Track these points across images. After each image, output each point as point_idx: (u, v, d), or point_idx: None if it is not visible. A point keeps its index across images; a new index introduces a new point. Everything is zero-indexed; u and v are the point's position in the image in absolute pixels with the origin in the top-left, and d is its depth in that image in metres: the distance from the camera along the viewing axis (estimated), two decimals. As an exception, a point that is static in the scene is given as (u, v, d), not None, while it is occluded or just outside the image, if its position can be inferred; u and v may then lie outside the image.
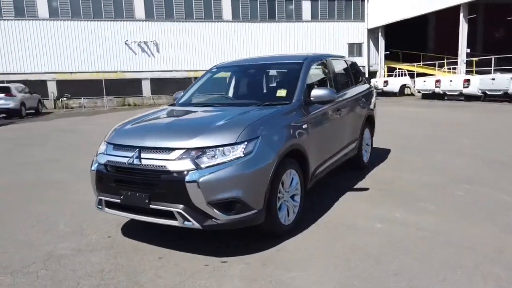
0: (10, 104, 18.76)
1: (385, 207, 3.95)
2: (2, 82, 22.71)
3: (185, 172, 2.75)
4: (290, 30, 32.08)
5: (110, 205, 3.10)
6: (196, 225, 2.78)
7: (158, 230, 3.45)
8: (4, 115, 19.24)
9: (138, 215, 2.97)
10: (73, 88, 26.70)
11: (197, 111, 3.81)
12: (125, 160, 2.98)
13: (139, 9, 27.79)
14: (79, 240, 3.39)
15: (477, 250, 2.95)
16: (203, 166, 2.77)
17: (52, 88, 26.79)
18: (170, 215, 2.82)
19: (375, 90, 6.30)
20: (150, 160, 2.89)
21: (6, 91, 18.98)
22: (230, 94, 4.57)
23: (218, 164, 2.78)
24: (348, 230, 3.40)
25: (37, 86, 25.07)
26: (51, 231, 3.63)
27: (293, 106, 3.64)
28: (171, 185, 2.77)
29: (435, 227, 3.41)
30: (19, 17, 25.94)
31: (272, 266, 2.81)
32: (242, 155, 2.85)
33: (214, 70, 4.76)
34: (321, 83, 4.47)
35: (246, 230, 3.17)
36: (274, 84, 4.38)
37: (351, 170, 5.41)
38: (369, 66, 34.45)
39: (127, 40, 27.56)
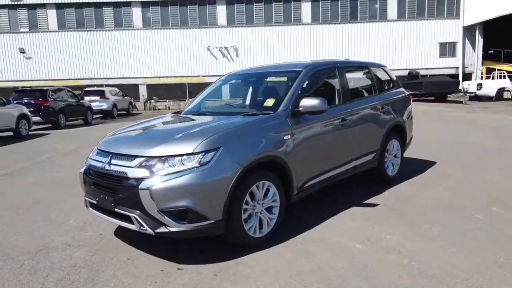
0: (104, 105, 21.01)
1: (381, 227, 3.65)
2: (101, 86, 25.50)
3: (140, 180, 2.88)
4: (374, 30, 30.74)
5: (92, 205, 3.37)
6: (149, 231, 2.90)
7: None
8: (100, 115, 21.63)
9: (109, 217, 3.18)
10: (161, 91, 28.95)
11: (176, 121, 3.93)
12: (100, 164, 3.23)
13: (222, 16, 29.07)
14: (75, 235, 3.74)
15: (452, 286, 2.59)
16: (158, 174, 2.88)
17: (142, 91, 29.38)
18: (129, 219, 2.98)
19: (411, 97, 5.78)
20: (116, 166, 3.09)
21: (101, 94, 21.31)
22: (228, 102, 4.62)
23: (172, 173, 2.86)
24: (323, 249, 3.22)
25: (130, 90, 27.72)
26: (60, 225, 4.05)
27: (276, 116, 3.57)
28: (128, 191, 2.93)
29: (421, 254, 3.07)
30: (117, 27, 28.95)
31: (221, 278, 2.81)
32: (198, 165, 2.89)
33: (225, 77, 4.85)
34: (324, 92, 4.28)
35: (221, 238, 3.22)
36: (269, 93, 4.31)
37: (372, 184, 5.07)
38: (464, 67, 31.45)
39: (209, 46, 29.01)
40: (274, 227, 3.42)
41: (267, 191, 3.37)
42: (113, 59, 29.12)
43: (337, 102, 4.31)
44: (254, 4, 29.22)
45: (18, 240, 3.69)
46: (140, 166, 2.95)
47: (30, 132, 13.23)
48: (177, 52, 29.10)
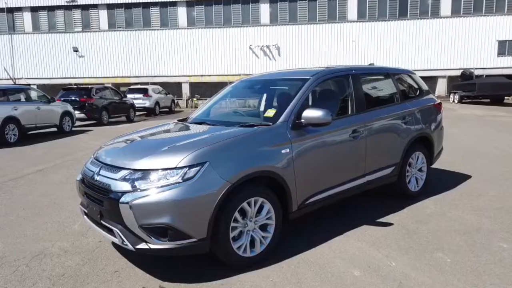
0: (147, 103, 21.63)
1: (388, 252, 3.34)
2: (147, 83, 26.36)
3: (122, 194, 2.80)
4: (425, 28, 29.23)
5: (85, 214, 3.36)
6: (130, 246, 2.81)
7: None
8: (143, 112, 22.32)
9: (98, 228, 3.13)
10: (203, 89, 29.43)
11: (172, 131, 3.82)
12: (90, 174, 3.20)
13: (265, 14, 28.96)
14: (75, 241, 3.77)
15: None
16: (139, 189, 2.78)
17: (186, 89, 30.02)
18: (113, 232, 2.91)
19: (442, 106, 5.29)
20: (102, 177, 3.03)
21: (144, 92, 21.96)
22: (233, 109, 4.45)
23: (154, 188, 2.76)
24: (316, 275, 2.98)
25: (173, 88, 28.45)
26: (64, 229, 4.10)
27: (274, 128, 3.36)
28: (111, 204, 2.86)
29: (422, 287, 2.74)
30: (163, 27, 29.75)
31: (199, 301, 2.67)
32: (181, 181, 2.77)
33: (235, 84, 4.69)
34: (334, 102, 4.00)
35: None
36: (272, 102, 4.09)
37: (393, 199, 4.69)
38: (526, 67, 29.13)
39: (251, 45, 29.04)
40: (268, 246, 3.22)
41: (261, 207, 3.17)
42: (159, 57, 29.98)
43: (349, 112, 4.01)
44: (298, 1, 28.82)
45: (20, 243, 3.77)
46: (123, 179, 2.87)
47: (73, 128, 13.88)
48: (220, 50, 29.40)
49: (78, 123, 15.27)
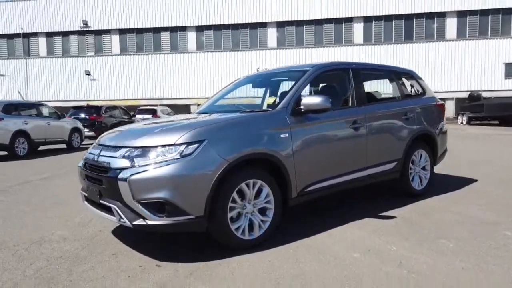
0: (155, 123, 21.88)
1: (389, 238, 3.28)
2: (156, 105, 26.75)
3: (120, 170, 2.83)
4: (430, 51, 29.53)
5: (86, 199, 3.38)
6: (127, 223, 2.81)
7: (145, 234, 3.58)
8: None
9: (98, 210, 3.14)
10: (211, 111, 29.76)
11: (177, 118, 3.87)
12: (91, 157, 3.24)
13: (272, 38, 29.60)
14: (74, 231, 3.77)
15: (447, 301, 2.21)
16: (137, 165, 2.81)
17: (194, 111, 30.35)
18: (112, 210, 2.92)
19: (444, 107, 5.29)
20: (103, 157, 3.07)
21: (153, 113, 22.23)
22: (236, 104, 4.50)
23: (152, 164, 2.78)
24: (314, 257, 2.94)
25: (182, 110, 28.76)
26: (66, 222, 4.10)
27: (273, 113, 3.39)
28: (110, 182, 2.88)
29: (424, 267, 2.68)
30: (173, 51, 30.48)
31: (195, 277, 2.64)
32: (179, 157, 2.79)
33: (241, 79, 4.78)
34: (334, 93, 4.04)
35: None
36: (274, 92, 4.14)
37: (397, 197, 4.64)
38: (533, 89, 29.05)
39: (258, 68, 29.46)
40: (267, 231, 3.19)
41: (260, 191, 3.17)
42: (168, 80, 30.58)
43: (349, 104, 4.04)
44: (304, 26, 29.44)
45: (21, 232, 3.78)
46: (122, 156, 2.91)
47: (82, 145, 14.05)
48: (228, 74, 29.89)
49: (87, 140, 15.47)
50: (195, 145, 2.84)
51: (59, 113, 13.16)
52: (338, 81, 4.22)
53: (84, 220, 4.10)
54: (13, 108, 11.16)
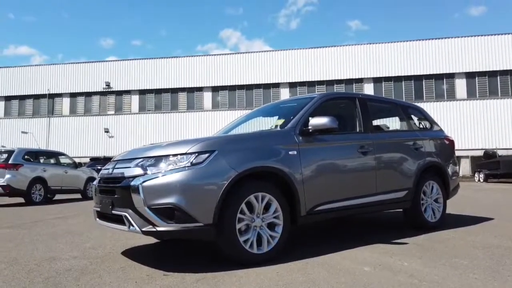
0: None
1: (401, 258, 3.21)
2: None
3: (134, 178, 2.93)
4: (441, 109, 29.89)
5: (98, 215, 3.45)
6: (137, 229, 2.86)
7: (157, 252, 3.58)
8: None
9: (109, 223, 3.20)
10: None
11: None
12: (106, 172, 3.37)
13: (285, 97, 30.51)
14: (85, 252, 3.78)
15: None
16: (150, 172, 2.92)
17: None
18: (123, 221, 2.98)
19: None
20: (117, 169, 3.20)
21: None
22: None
23: (164, 171, 2.89)
24: (323, 269, 2.89)
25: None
26: (77, 246, 4.12)
27: (283, 131, 3.53)
28: (122, 190, 2.98)
29: (436, 278, 2.61)
30: (190, 109, 31.62)
31: (201, 283, 2.61)
32: (189, 165, 2.90)
33: (252, 112, 4.99)
34: (341, 119, 4.17)
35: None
36: (282, 117, 4.29)
37: (410, 229, 4.55)
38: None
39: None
40: (275, 246, 3.17)
41: (269, 205, 3.20)
42: (184, 136, 31.32)
43: (357, 130, 4.16)
44: (316, 86, 30.40)
45: (32, 253, 3.81)
46: (136, 165, 3.03)
47: (96, 195, 14.20)
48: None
49: (101, 191, 15.65)
50: (206, 155, 2.96)
51: (76, 162, 13.51)
52: (346, 109, 4.37)
53: (94, 246, 4.12)
54: (33, 156, 11.55)
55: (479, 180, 25.57)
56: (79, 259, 3.47)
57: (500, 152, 27.97)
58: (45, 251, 3.87)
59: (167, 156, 2.98)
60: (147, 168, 2.96)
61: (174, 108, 32.02)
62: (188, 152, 2.95)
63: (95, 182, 3.63)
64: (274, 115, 4.59)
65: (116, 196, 3.07)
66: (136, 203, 2.85)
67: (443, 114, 29.69)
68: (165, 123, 31.74)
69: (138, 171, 2.97)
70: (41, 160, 11.87)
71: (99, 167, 16.11)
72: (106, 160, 16.87)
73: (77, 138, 32.76)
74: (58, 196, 12.90)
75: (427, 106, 29.54)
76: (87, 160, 30.72)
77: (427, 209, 4.64)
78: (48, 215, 7.62)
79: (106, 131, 32.00)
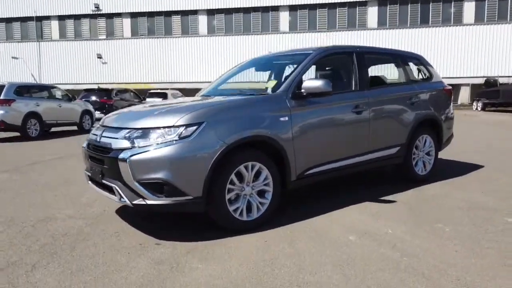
0: (165, 107, 22.02)
1: (386, 222, 3.30)
2: (167, 89, 26.83)
3: (121, 151, 2.89)
4: (447, 35, 28.84)
5: (90, 179, 3.47)
6: (127, 202, 2.89)
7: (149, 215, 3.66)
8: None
9: (100, 190, 3.23)
10: (221, 95, 29.80)
11: (179, 101, 3.90)
12: (94, 138, 3.31)
13: (284, 22, 29.27)
14: (80, 209, 3.88)
15: (437, 284, 2.24)
16: (138, 145, 2.86)
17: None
18: (113, 190, 3.00)
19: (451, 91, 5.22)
20: (105, 138, 3.14)
21: (164, 96, 22.34)
22: (238, 86, 4.51)
23: (151, 145, 2.84)
24: (310, 238, 2.98)
25: (193, 94, 28.71)
26: (72, 201, 4.22)
27: (273, 96, 3.41)
28: (111, 162, 2.95)
29: (417, 250, 2.71)
30: (184, 34, 30.39)
31: (192, 255, 2.71)
32: (177, 139, 2.84)
33: (247, 62, 4.77)
34: (337, 77, 4.02)
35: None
36: (276, 76, 4.14)
37: (399, 182, 4.64)
38: (550, 75, 28.28)
39: (270, 52, 29.25)
40: (265, 213, 3.24)
41: (258, 173, 3.21)
42: (179, 64, 30.59)
43: (352, 88, 4.02)
44: (317, 9, 29.00)
45: (29, 210, 3.90)
46: (123, 137, 2.97)
47: (92, 127, 14.24)
48: (239, 58, 29.68)
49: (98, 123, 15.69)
50: (194, 127, 2.88)
51: (70, 95, 13.32)
52: (342, 65, 4.19)
53: (89, 201, 4.20)
54: (25, 90, 11.33)
55: (476, 109, 25.62)
56: (74, 220, 3.56)
57: (501, 80, 27.62)
58: (41, 208, 3.96)
59: (155, 128, 2.90)
60: (135, 140, 2.90)
61: (168, 33, 30.75)
62: (176, 124, 2.87)
63: (84, 145, 3.60)
64: (267, 70, 4.41)
65: (105, 166, 3.05)
66: (125, 177, 2.85)
67: (448, 40, 28.74)
68: (159, 49, 30.73)
69: (126, 143, 2.91)
70: (34, 95, 11.66)
71: (93, 98, 15.94)
72: (100, 91, 16.61)
73: (69, 64, 31.92)
74: (55, 129, 12.91)
75: (432, 32, 28.50)
76: (81, 87, 30.35)
77: (418, 162, 4.69)
78: (45, 155, 7.70)
79: (99, 57, 31.11)
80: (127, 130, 2.99)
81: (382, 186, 4.53)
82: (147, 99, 20.48)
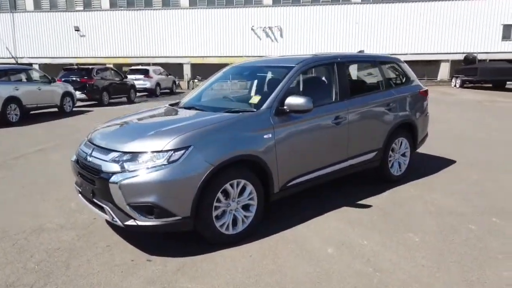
0: (147, 84, 21.75)
1: (362, 231, 3.57)
2: (148, 64, 26.38)
3: (112, 174, 3.02)
4: (428, 10, 28.93)
5: (80, 193, 3.59)
6: (119, 223, 3.04)
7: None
8: (144, 93, 22.44)
9: (91, 206, 3.36)
10: (204, 71, 29.37)
11: (162, 115, 4.01)
12: (84, 155, 3.41)
13: (267, -5, 28.68)
14: (70, 218, 4.01)
15: (403, 302, 2.51)
16: (128, 170, 2.99)
17: (187, 71, 30.03)
18: (104, 209, 3.14)
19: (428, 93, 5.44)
20: (94, 158, 3.25)
21: (145, 73, 22.04)
22: (222, 96, 4.62)
23: (141, 170, 2.97)
24: (292, 252, 3.22)
25: (175, 69, 28.44)
26: (61, 207, 4.34)
27: (257, 115, 3.54)
28: (102, 184, 3.07)
29: (389, 264, 2.98)
30: (165, 6, 29.55)
31: (182, 273, 2.91)
32: (166, 163, 2.97)
33: (227, 69, 4.84)
34: (318, 89, 4.16)
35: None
36: (259, 89, 4.26)
37: (376, 183, 4.91)
38: (530, 53, 28.90)
39: (253, 26, 28.86)
40: (250, 225, 3.44)
41: (244, 189, 3.39)
42: (160, 38, 29.91)
43: (333, 99, 4.18)
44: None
45: (20, 219, 4.01)
46: (113, 160, 3.08)
47: (74, 109, 14.08)
48: (221, 32, 29.26)
49: (79, 103, 15.46)
50: (182, 151, 3.01)
51: (50, 77, 13.05)
52: (323, 76, 4.32)
53: (79, 207, 4.31)
54: (2, 74, 11.08)
55: (455, 86, 26.17)
56: (66, 230, 3.70)
57: (481, 57, 28.11)
58: (31, 216, 4.07)
59: (144, 152, 3.02)
60: (124, 164, 3.01)
61: (148, 5, 29.84)
62: (164, 149, 3.00)
63: (72, 159, 3.69)
64: (250, 79, 4.50)
65: (96, 186, 3.17)
66: (116, 200, 2.98)
67: (429, 15, 28.81)
68: (138, 22, 29.89)
69: (116, 167, 3.03)
70: (12, 78, 11.40)
71: (73, 78, 15.62)
72: (80, 70, 16.24)
73: (46, 37, 30.82)
74: (35, 111, 12.71)
75: (413, 7, 28.46)
76: (59, 61, 29.49)
77: (393, 164, 4.94)
78: (27, 146, 7.69)
79: (77, 29, 30.10)
80: (117, 153, 3.10)
81: (359, 188, 4.78)
82: (129, 77, 20.15)
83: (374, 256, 3.12)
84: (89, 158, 3.30)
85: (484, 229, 3.58)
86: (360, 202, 4.31)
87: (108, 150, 3.19)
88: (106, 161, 3.12)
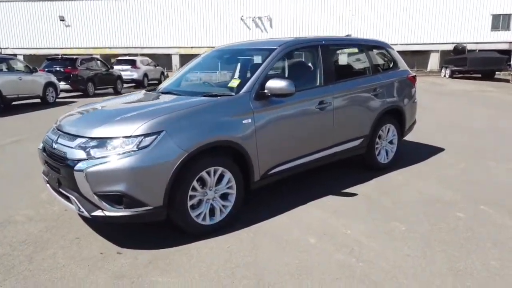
0: (134, 75, 21.29)
1: (346, 220, 3.41)
2: (136, 55, 25.91)
3: (77, 161, 2.80)
4: (416, 0, 28.80)
5: (47, 182, 3.37)
6: (86, 213, 2.84)
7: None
8: (131, 84, 22.02)
9: (58, 196, 3.15)
10: (193, 61, 29.09)
11: (137, 100, 3.79)
12: (50, 142, 3.19)
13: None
14: (40, 210, 3.79)
15: (386, 294, 2.36)
16: (94, 156, 2.78)
17: (175, 61, 29.60)
18: (70, 200, 2.94)
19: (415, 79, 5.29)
20: (60, 145, 3.03)
21: (132, 63, 21.59)
22: (203, 81, 4.41)
23: (108, 156, 2.76)
24: (272, 242, 3.05)
25: (163, 59, 27.99)
26: (32, 199, 4.11)
27: (236, 98, 3.35)
28: (67, 172, 2.86)
29: (372, 254, 2.83)
30: (153, -5, 29.03)
31: (153, 266, 2.73)
32: (136, 149, 2.77)
33: (209, 52, 4.63)
34: (301, 73, 3.97)
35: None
36: (240, 72, 4.06)
37: (363, 171, 4.76)
38: (519, 42, 29.00)
39: (242, 16, 28.49)
40: (228, 215, 3.27)
41: (221, 177, 3.20)
42: (148, 28, 29.41)
43: (317, 84, 4.00)
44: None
45: (-14, 211, 3.79)
46: (79, 147, 2.87)
47: (57, 100, 13.70)
48: (211, 22, 28.85)
49: (63, 94, 15.08)
50: (153, 137, 2.81)
51: (31, 67, 12.66)
52: (306, 59, 4.14)
53: (50, 198, 4.10)
54: (-20, 63, 10.68)
55: (445, 76, 26.19)
56: (34, 222, 3.49)
57: (470, 47, 28.16)
58: (1, 207, 3.85)
59: (112, 138, 2.81)
60: (91, 150, 2.80)
61: (135, -7, 29.26)
62: (133, 134, 2.79)
63: (39, 147, 3.46)
64: (232, 63, 4.29)
65: (61, 175, 2.96)
66: (82, 189, 2.78)
67: (418, 5, 28.71)
68: (126, 12, 29.33)
69: (82, 154, 2.81)
70: (-10, 68, 11.02)
71: (56, 68, 15.21)
72: (64, 60, 15.80)
73: (30, 27, 30.08)
74: (16, 102, 12.33)
75: (404, -3, 28.28)
76: (44, 52, 28.82)
77: (381, 151, 4.80)
78: (3, 137, 7.40)
79: (62, 19, 29.42)
80: (83, 139, 2.89)
81: (345, 176, 4.63)
82: (115, 67, 19.74)
83: (358, 246, 2.97)
84: (55, 145, 3.08)
85: (472, 217, 3.45)
86: (345, 190, 4.16)
87: (74, 136, 2.97)
88: (71, 147, 2.90)
